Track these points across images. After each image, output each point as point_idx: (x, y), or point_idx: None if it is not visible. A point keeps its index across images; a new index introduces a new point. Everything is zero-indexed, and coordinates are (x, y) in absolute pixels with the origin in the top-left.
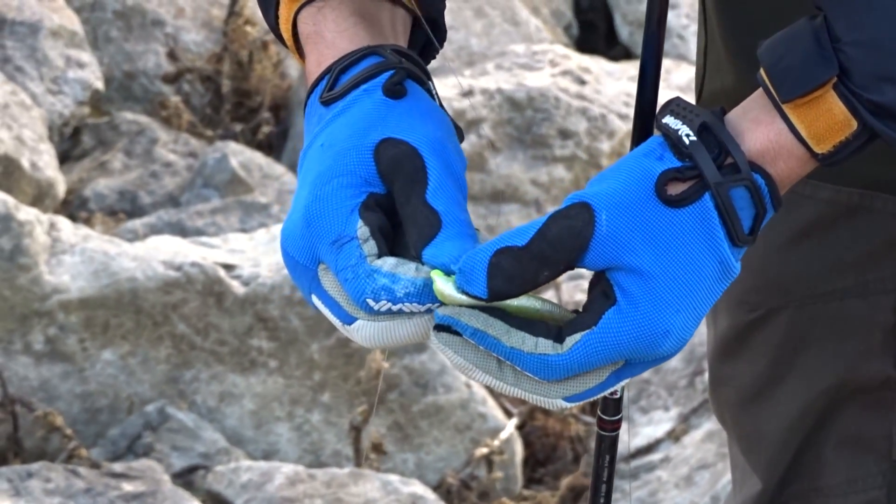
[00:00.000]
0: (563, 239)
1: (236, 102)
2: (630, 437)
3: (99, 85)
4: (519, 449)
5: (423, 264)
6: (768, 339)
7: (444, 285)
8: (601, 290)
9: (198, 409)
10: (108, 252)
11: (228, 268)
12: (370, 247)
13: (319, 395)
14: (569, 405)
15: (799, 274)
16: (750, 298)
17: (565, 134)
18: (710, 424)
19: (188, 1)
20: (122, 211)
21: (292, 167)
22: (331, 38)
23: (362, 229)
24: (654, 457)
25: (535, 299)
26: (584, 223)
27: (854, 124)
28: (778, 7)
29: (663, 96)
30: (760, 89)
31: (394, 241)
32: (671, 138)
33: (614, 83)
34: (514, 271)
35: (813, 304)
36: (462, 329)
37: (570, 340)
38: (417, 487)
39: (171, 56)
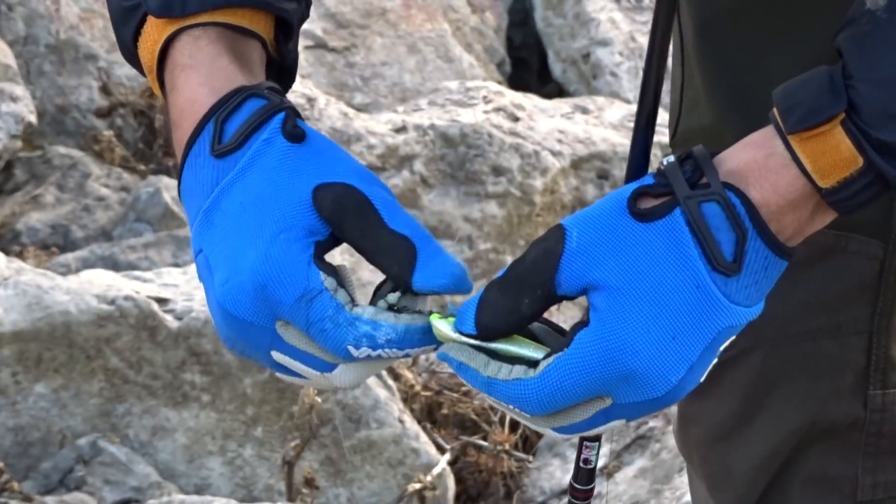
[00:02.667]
0: (538, 260)
1: (169, 137)
2: (562, 473)
3: (32, 118)
4: (451, 484)
5: (411, 293)
6: (740, 378)
7: (441, 326)
8: (581, 319)
9: (130, 442)
10: (41, 285)
11: (161, 302)
12: (343, 296)
13: (252, 429)
14: (562, 436)
15: (773, 314)
16: None
17: (498, 171)
18: (642, 461)
19: None
20: (55, 245)
21: None
22: (206, 73)
23: (328, 280)
24: None
25: (534, 346)
26: (556, 241)
27: (860, 161)
28: (760, 47)
29: (596, 134)
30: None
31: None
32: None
33: (547, 120)
34: (498, 302)
35: (785, 345)
36: (450, 363)
37: (544, 364)
38: None
39: (104, 90)
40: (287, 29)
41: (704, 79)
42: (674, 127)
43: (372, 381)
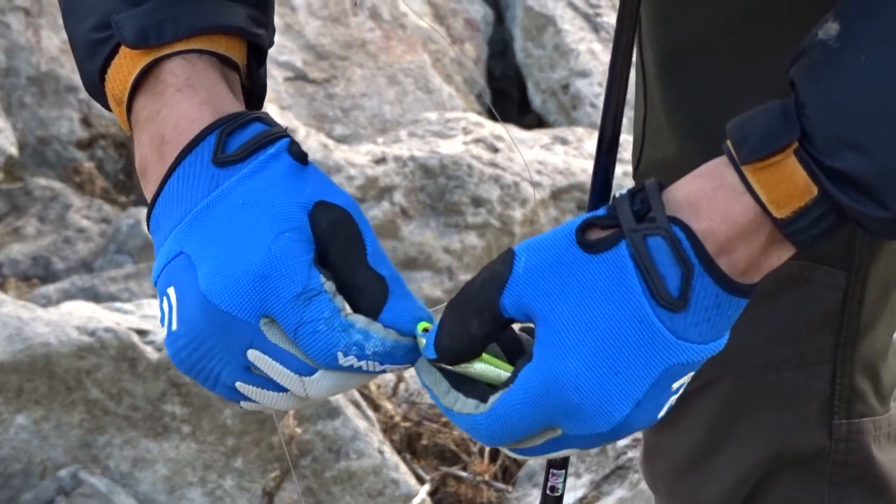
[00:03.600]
0: (484, 282)
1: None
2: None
3: (12, 150)
4: None
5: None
6: (706, 409)
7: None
8: (527, 352)
9: (111, 474)
10: (21, 317)
11: (142, 333)
12: (341, 301)
13: (232, 460)
14: (522, 457)
15: (738, 344)
16: None
17: (478, 201)
18: (621, 491)
19: None
20: (36, 276)
21: None
22: (207, 96)
23: (328, 284)
24: None
25: (503, 366)
26: (503, 266)
27: (814, 190)
28: (720, 79)
29: (576, 165)
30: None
31: None
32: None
33: (527, 151)
34: (452, 325)
35: (751, 375)
36: (422, 383)
37: (492, 399)
38: None
39: (85, 122)
40: (259, 55)
41: (666, 110)
42: (637, 158)
43: (351, 411)
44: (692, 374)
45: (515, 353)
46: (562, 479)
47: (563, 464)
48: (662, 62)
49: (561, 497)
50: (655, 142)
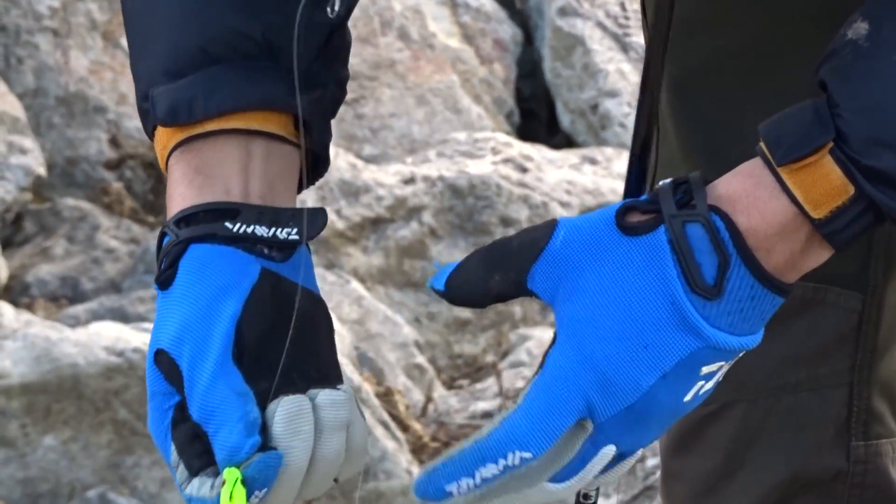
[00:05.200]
0: (522, 244)
1: None
2: None
3: (41, 171)
4: None
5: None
6: (722, 433)
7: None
8: (549, 346)
9: (139, 494)
10: (50, 338)
11: None
12: (181, 473)
13: None
14: (558, 487)
15: (753, 368)
16: None
17: (507, 222)
18: None
19: (130, 87)
20: (64, 297)
21: None
22: (196, 192)
23: (173, 455)
24: None
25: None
26: (543, 235)
27: (851, 190)
28: (734, 104)
29: (604, 185)
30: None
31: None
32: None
33: (556, 171)
34: (474, 271)
35: (766, 399)
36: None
37: (521, 395)
38: None
39: (114, 142)
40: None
41: (679, 138)
42: (650, 184)
43: (380, 432)
44: (723, 365)
45: None
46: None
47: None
48: (674, 89)
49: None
50: (668, 169)
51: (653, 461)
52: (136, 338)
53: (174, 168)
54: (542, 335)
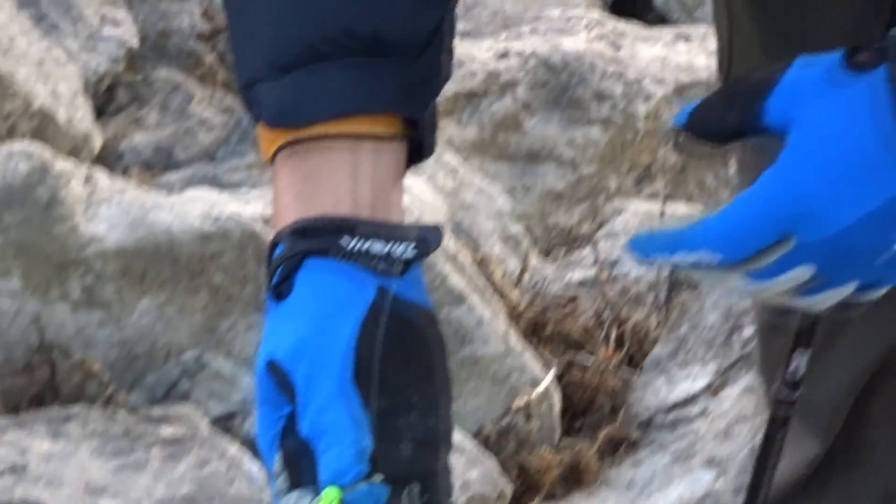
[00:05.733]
0: (759, 82)
1: None
2: (668, 391)
3: (134, 42)
4: (557, 401)
5: None
6: None
7: None
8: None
9: (235, 358)
10: (144, 204)
11: (266, 221)
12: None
13: None
14: (749, 283)
15: None
16: None
17: (601, 97)
18: (748, 379)
19: None
20: (158, 165)
21: None
22: (302, 205)
23: (277, 465)
24: (692, 410)
25: None
26: (780, 67)
27: None
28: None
29: (699, 62)
30: None
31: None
32: None
33: (649, 48)
34: (713, 106)
35: None
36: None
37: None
38: (456, 436)
39: (206, 15)
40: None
41: (755, 31)
42: (725, 75)
43: (476, 299)
44: None
45: None
46: (806, 361)
47: (808, 340)
48: None
49: (798, 382)
50: (744, 60)
51: (750, 330)
52: (231, 205)
53: (281, 173)
54: (637, 207)
